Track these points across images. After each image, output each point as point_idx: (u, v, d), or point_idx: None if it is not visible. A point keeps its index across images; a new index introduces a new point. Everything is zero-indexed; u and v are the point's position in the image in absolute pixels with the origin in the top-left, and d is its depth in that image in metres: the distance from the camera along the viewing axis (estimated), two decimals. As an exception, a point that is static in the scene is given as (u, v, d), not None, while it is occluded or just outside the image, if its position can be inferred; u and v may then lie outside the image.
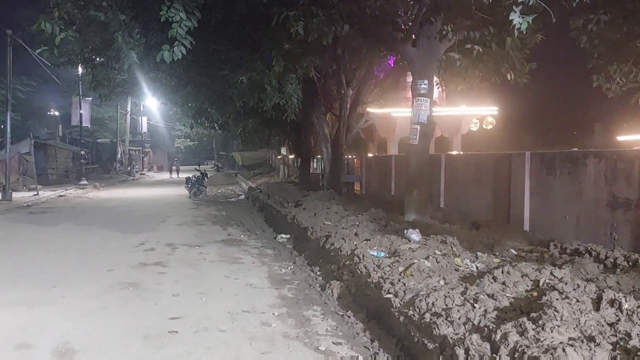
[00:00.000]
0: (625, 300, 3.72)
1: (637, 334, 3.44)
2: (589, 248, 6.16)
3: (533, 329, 3.59)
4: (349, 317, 5.17)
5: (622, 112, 30.09)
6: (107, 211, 15.38)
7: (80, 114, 26.76)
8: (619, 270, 5.34)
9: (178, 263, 7.72)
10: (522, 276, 4.91)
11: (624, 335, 3.45)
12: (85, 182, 25.51)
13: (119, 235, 10.43)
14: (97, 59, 12.36)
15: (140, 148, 49.51)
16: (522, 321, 3.68)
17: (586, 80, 10.50)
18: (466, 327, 3.96)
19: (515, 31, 5.94)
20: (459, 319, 4.07)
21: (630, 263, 5.55)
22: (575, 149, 8.56)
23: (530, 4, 5.77)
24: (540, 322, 3.64)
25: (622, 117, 31.56)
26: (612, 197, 6.86)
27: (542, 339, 3.48)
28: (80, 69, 16.17)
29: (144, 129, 47.57)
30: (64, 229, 11.43)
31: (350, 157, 18.71)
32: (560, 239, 7.00)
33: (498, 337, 3.61)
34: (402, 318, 4.50)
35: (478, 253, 6.38)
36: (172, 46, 8.00)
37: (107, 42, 10.50)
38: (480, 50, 9.10)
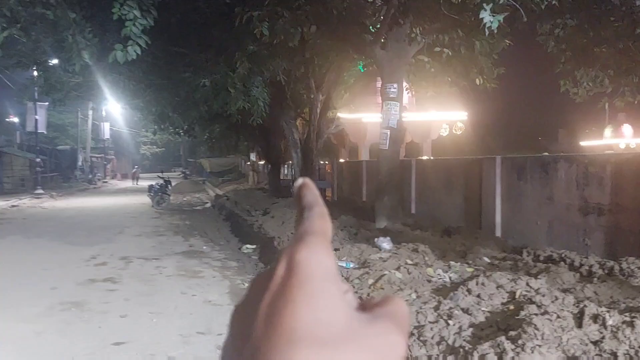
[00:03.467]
0: (609, 316, 3.44)
1: (624, 354, 3.16)
2: (563, 255, 5.96)
3: (512, 350, 3.28)
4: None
5: (584, 118, 30.78)
6: (61, 222, 14.57)
7: (36, 120, 25.60)
8: (595, 279, 5.11)
9: (131, 279, 7.17)
10: (497, 287, 4.62)
11: (609, 355, 3.16)
12: (41, 191, 24.36)
13: (70, 248, 9.76)
14: (50, 61, 11.71)
15: (103, 155, 48.14)
16: (501, 341, 3.37)
17: (551, 86, 10.51)
18: (440, 347, 3.64)
19: (486, 30, 5.71)
20: (432, 338, 3.75)
21: (606, 271, 5.34)
22: (546, 153, 8.45)
23: (500, 2, 5.56)
24: (519, 341, 3.33)
25: (584, 123, 32.29)
26: (584, 202, 6.70)
27: (522, 361, 3.17)
28: (33, 72, 15.30)
29: (107, 135, 46.22)
30: (10, 242, 10.64)
31: (321, 162, 18.39)
32: (532, 245, 6.81)
33: (475, 359, 3.29)
34: (370, 337, 4.14)
35: (451, 262, 6.08)
36: (126, 46, 7.56)
37: (59, 42, 9.93)
38: (450, 53, 8.95)
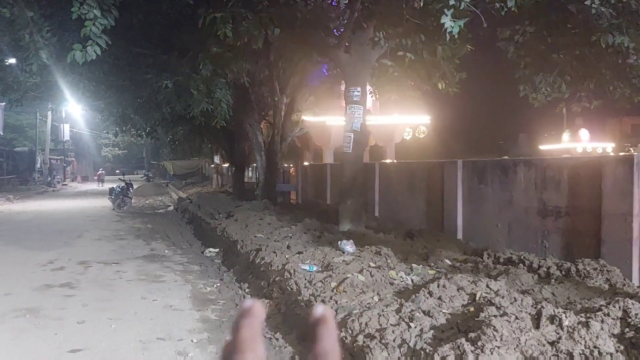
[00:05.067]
0: (566, 317, 3.53)
1: (579, 353, 3.25)
2: (522, 257, 6.08)
3: (472, 352, 3.32)
4: (277, 339, 4.75)
5: (544, 122, 31.74)
6: (17, 225, 14.06)
7: (-9, 121, 24.73)
8: (553, 280, 5.24)
9: (89, 284, 6.96)
10: (457, 290, 4.68)
11: (566, 355, 3.24)
12: (-4, 194, 23.61)
13: (25, 252, 9.42)
14: (6, 60, 11.29)
15: (63, 157, 46.77)
16: (461, 343, 3.41)
17: (512, 91, 10.73)
18: (401, 350, 3.65)
19: (447, 35, 5.79)
20: (394, 340, 3.75)
21: (563, 272, 5.48)
22: (506, 157, 8.63)
23: (461, 7, 5.64)
24: (479, 343, 3.37)
25: (544, 127, 33.28)
26: (542, 205, 6.86)
27: (481, 362, 3.22)
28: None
29: (67, 136, 44.90)
30: (-38, 247, 10.22)
31: (286, 165, 18.33)
32: (493, 248, 6.93)
33: (435, 361, 3.32)
34: (333, 341, 4.13)
35: (413, 265, 6.14)
36: (85, 46, 7.35)
37: (16, 41, 9.59)
38: (412, 58, 9.03)
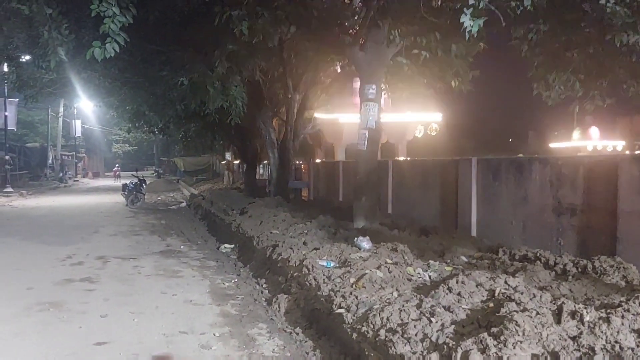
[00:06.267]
0: (587, 312, 3.57)
1: (601, 348, 3.29)
2: (538, 254, 6.10)
3: (495, 346, 3.37)
4: (297, 334, 4.82)
5: (553, 120, 31.55)
6: (32, 221, 14.25)
7: (5, 116, 24.93)
8: (570, 277, 5.27)
9: (109, 278, 7.07)
10: (476, 286, 4.73)
11: (587, 350, 3.28)
12: (10, 189, 23.77)
13: (43, 247, 9.55)
14: (23, 57, 11.43)
15: (74, 153, 47.16)
16: (483, 337, 3.45)
17: (522, 89, 10.75)
18: (424, 344, 3.70)
19: (467, 34, 5.81)
20: (416, 335, 3.81)
21: (580, 269, 5.51)
22: (521, 155, 8.65)
23: (480, 7, 5.66)
24: (501, 337, 3.42)
25: (553, 125, 33.09)
26: (557, 202, 6.87)
27: (504, 356, 3.27)
28: (5, 68, 14.83)
29: (78, 132, 45.23)
30: (-21, 242, 10.36)
31: (298, 162, 18.42)
32: (507, 245, 6.94)
33: (459, 355, 3.37)
34: (355, 335, 4.19)
35: (430, 261, 6.18)
36: (104, 43, 7.44)
37: (33, 38, 9.71)
38: (427, 56, 9.06)
